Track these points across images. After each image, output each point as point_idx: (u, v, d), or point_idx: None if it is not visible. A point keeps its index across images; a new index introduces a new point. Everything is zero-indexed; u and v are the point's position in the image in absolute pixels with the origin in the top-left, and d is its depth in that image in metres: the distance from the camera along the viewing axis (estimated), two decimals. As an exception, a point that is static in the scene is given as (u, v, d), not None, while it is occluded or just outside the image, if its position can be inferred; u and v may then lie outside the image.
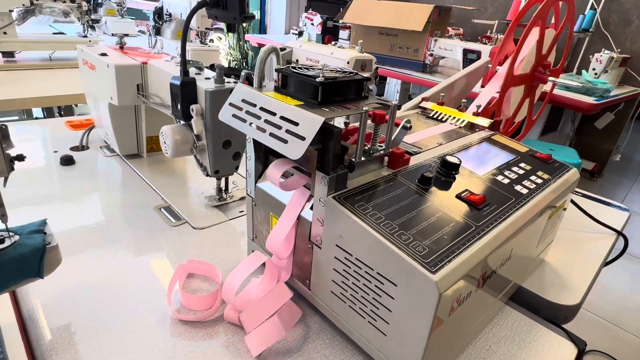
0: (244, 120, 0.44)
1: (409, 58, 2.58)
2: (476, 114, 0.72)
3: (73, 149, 0.93)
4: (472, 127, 0.70)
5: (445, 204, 0.44)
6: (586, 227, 0.80)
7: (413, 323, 0.37)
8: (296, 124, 0.39)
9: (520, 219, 0.46)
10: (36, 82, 1.47)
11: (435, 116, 0.73)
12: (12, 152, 0.40)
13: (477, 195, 0.46)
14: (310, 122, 0.38)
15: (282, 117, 0.41)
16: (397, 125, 0.50)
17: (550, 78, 0.90)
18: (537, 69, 0.86)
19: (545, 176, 0.56)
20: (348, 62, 1.15)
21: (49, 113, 1.90)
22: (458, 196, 0.46)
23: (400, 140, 0.51)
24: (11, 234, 0.41)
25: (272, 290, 0.47)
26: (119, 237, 0.64)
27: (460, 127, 0.69)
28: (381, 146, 0.48)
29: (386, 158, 0.50)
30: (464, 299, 0.39)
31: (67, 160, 0.85)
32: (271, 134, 0.41)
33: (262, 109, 0.43)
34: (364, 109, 0.42)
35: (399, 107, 0.46)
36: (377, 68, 1.24)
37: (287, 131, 0.40)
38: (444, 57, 2.51)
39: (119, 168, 0.87)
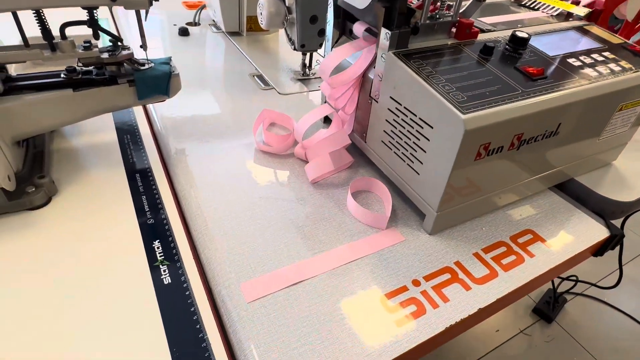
0: (326, -21, 0.50)
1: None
2: (575, 2, 0.67)
3: (188, 24, 1.08)
4: (567, 18, 0.66)
5: (501, 72, 0.47)
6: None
7: (441, 160, 0.44)
8: (367, -23, 0.44)
9: (573, 95, 0.47)
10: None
11: (528, 4, 0.70)
12: (150, -5, 0.52)
13: (535, 68, 0.48)
14: (379, -26, 0.43)
15: (357, -27, 0.46)
16: (470, -4, 0.51)
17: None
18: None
19: (627, 65, 0.54)
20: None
21: None
22: (516, 67, 0.49)
23: (471, 13, 0.53)
24: (149, 61, 0.56)
25: (333, 134, 0.57)
26: (221, 90, 0.79)
27: (552, 15, 0.66)
28: (449, 14, 0.51)
29: (454, 30, 0.52)
30: (493, 151, 0.45)
31: (183, 32, 1.00)
32: (346, -11, 0.47)
33: (341, -33, 0.49)
34: (433, -32, 0.44)
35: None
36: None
37: (359, -15, 0.45)
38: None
39: (222, 42, 1.01)
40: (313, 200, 0.54)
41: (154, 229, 0.48)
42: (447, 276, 0.45)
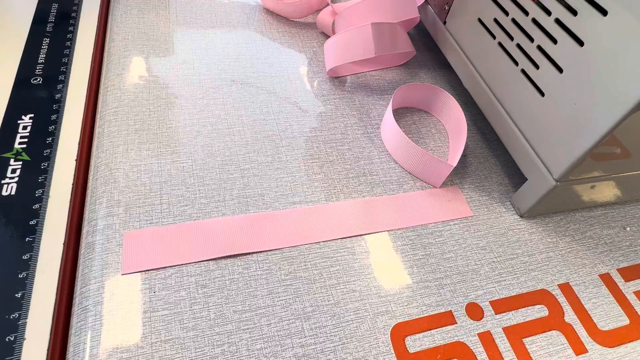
0: None
1: None
2: None
3: None
4: None
5: None
6: None
7: (625, 61, 0.18)
8: None
9: None
10: None
11: None
12: None
13: None
14: None
15: None
16: None
17: None
18: None
19: None
20: None
21: None
22: None
23: None
24: None
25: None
26: None
27: None
28: None
29: None
30: None
31: None
32: None
33: None
34: None
35: None
36: None
37: None
38: None
39: None
40: (325, 106, 0.31)
41: (32, 99, 0.27)
42: (540, 311, 0.22)
